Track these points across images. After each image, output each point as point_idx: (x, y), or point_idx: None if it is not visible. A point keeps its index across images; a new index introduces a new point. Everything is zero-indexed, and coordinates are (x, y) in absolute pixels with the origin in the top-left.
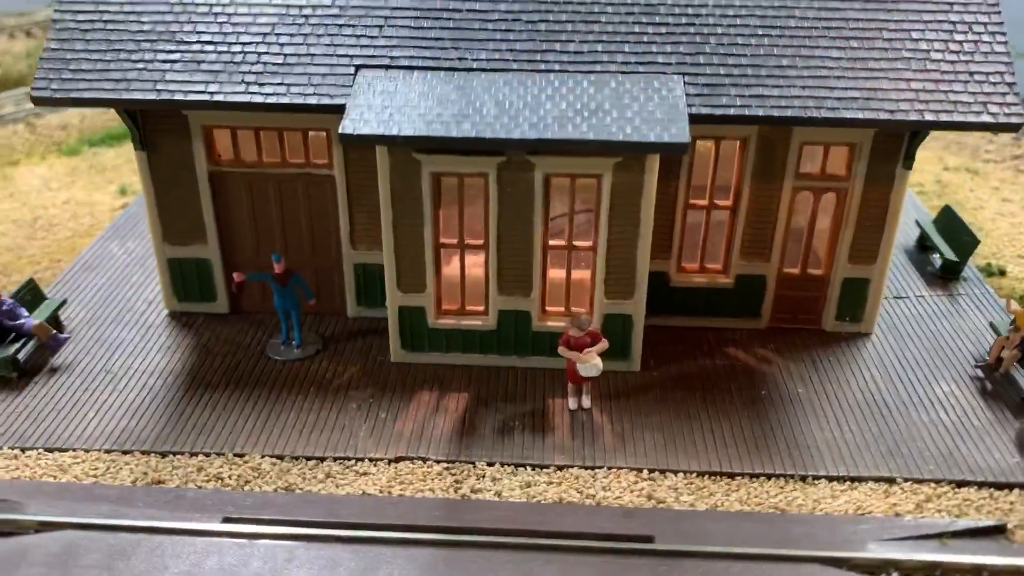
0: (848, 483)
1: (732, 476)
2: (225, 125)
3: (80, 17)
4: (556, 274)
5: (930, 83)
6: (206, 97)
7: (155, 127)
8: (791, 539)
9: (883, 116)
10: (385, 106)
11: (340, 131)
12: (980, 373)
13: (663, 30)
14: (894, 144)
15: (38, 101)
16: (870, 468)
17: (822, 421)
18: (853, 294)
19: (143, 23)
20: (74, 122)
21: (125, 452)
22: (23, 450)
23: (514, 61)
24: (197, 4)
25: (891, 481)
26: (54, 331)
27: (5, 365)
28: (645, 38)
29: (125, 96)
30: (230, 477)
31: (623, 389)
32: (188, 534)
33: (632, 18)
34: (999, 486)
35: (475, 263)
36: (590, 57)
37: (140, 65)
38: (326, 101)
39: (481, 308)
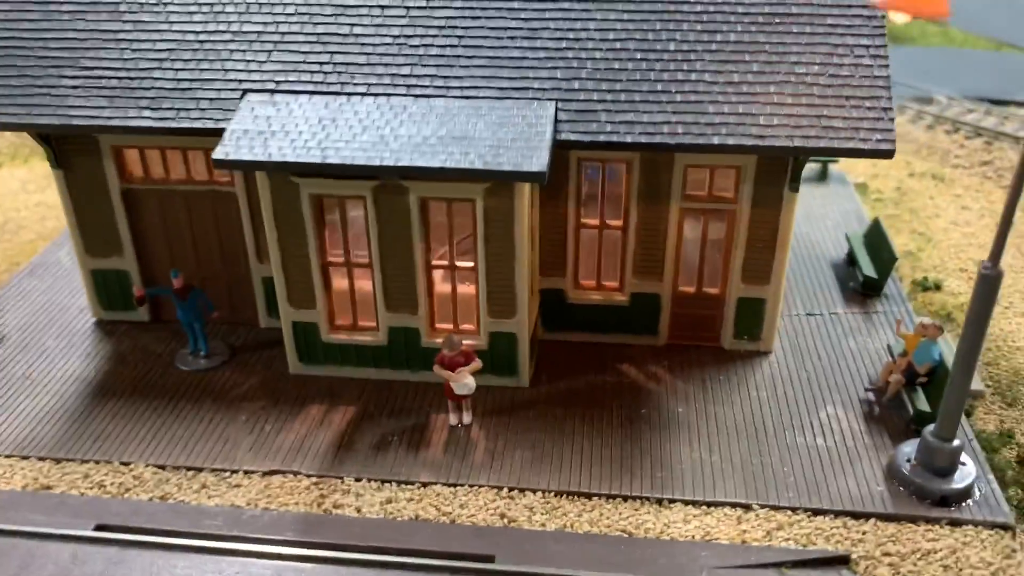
0: (703, 508)
1: (589, 496)
2: (133, 145)
3: None
4: (443, 290)
5: (805, 107)
6: (102, 122)
7: (68, 147)
8: (631, 563)
9: (750, 142)
10: (261, 131)
11: (213, 156)
12: (870, 396)
13: (542, 55)
14: (779, 167)
15: None
16: (728, 493)
17: (694, 443)
18: (749, 313)
19: (49, 48)
20: None
21: (24, 458)
22: None
23: (396, 86)
24: (101, 31)
25: (747, 507)
26: None
27: None
28: (524, 63)
29: (29, 121)
30: (112, 485)
31: (508, 405)
32: (59, 539)
33: (514, 43)
34: (855, 515)
35: (365, 280)
36: (469, 82)
37: (45, 90)
38: (210, 125)
39: (372, 324)
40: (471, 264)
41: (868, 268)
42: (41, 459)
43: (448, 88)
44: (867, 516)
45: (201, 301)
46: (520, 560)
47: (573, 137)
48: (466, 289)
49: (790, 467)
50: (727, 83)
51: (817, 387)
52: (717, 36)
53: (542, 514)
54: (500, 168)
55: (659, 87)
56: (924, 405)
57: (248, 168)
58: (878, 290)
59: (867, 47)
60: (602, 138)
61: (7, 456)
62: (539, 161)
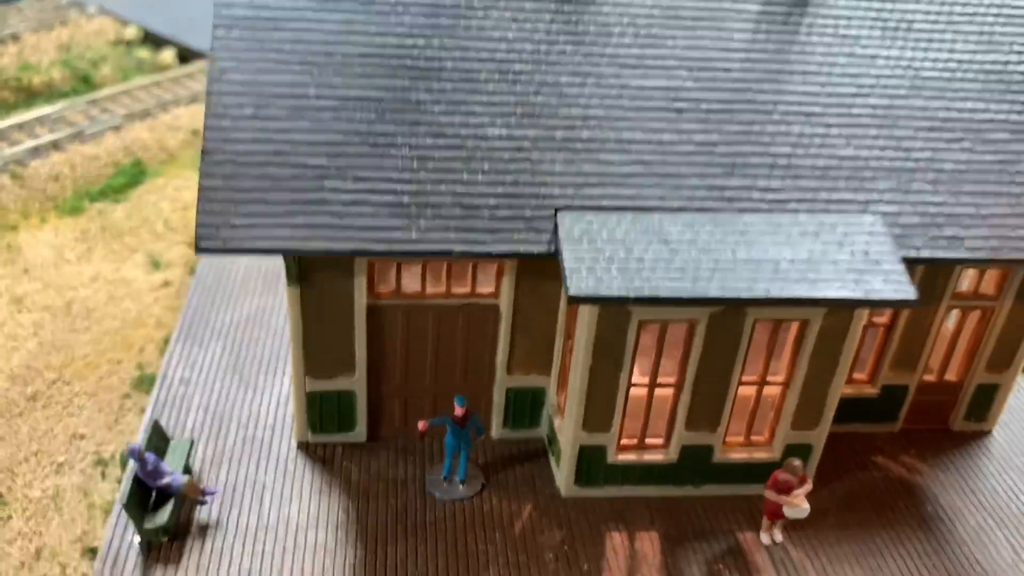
0: None
1: None
2: (392, 260)
3: (239, 148)
4: (741, 407)
5: None
6: (402, 247)
7: (317, 263)
8: None
9: None
10: (598, 259)
11: (571, 292)
12: None
13: (860, 163)
14: None
15: (205, 251)
16: None
17: (982, 537)
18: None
19: (315, 154)
20: (65, 171)
21: None
22: None
23: (709, 199)
24: (367, 134)
25: None
26: (202, 487)
27: (158, 532)
28: (839, 171)
29: (312, 247)
30: None
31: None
32: None
33: (823, 150)
34: None
35: (661, 399)
36: (785, 195)
37: (315, 207)
38: (531, 249)
39: (661, 442)
40: (781, 379)
41: None
42: None
43: (764, 200)
44: None
45: (473, 426)
46: None
47: (925, 254)
48: (765, 405)
49: None
50: None
51: None
52: None
53: None
54: (879, 297)
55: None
56: None
57: (615, 302)
58: None
59: None
60: (941, 254)
61: None
62: (907, 287)
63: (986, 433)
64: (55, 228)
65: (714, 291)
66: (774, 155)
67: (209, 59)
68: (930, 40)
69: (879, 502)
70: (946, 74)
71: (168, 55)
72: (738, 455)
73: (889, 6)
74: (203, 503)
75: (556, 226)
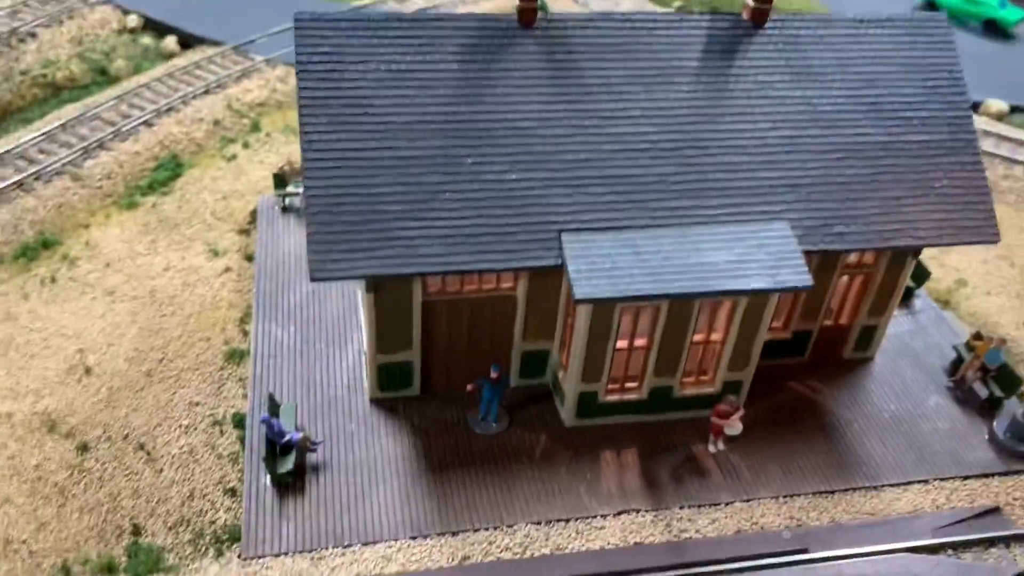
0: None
1: (831, 492)
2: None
3: (331, 200)
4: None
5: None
6: (452, 268)
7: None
8: (883, 536)
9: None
10: (596, 268)
11: (576, 296)
12: (951, 386)
13: (774, 182)
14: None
15: (319, 279)
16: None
17: (874, 440)
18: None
19: (386, 201)
20: (115, 169)
21: (425, 536)
22: (345, 547)
23: (668, 218)
24: (423, 183)
25: (925, 482)
26: (311, 439)
27: (290, 475)
28: (753, 191)
29: (389, 272)
30: (515, 546)
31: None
32: None
33: (745, 176)
34: (984, 476)
35: (636, 355)
36: (720, 211)
37: (389, 242)
38: (543, 263)
39: (636, 385)
40: (719, 338)
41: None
42: (439, 535)
43: (706, 216)
44: (993, 475)
45: (503, 384)
46: (823, 548)
47: (820, 247)
48: (708, 357)
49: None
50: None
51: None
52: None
53: (812, 511)
54: (786, 285)
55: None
56: (999, 392)
57: (604, 302)
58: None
59: None
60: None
61: (412, 538)
62: (806, 276)
63: (869, 359)
64: (120, 223)
65: (675, 289)
66: (712, 180)
67: (301, 135)
68: (825, 81)
69: (792, 416)
70: (837, 107)
71: (171, 41)
72: (691, 391)
73: (796, 55)
74: (313, 451)
75: (560, 244)
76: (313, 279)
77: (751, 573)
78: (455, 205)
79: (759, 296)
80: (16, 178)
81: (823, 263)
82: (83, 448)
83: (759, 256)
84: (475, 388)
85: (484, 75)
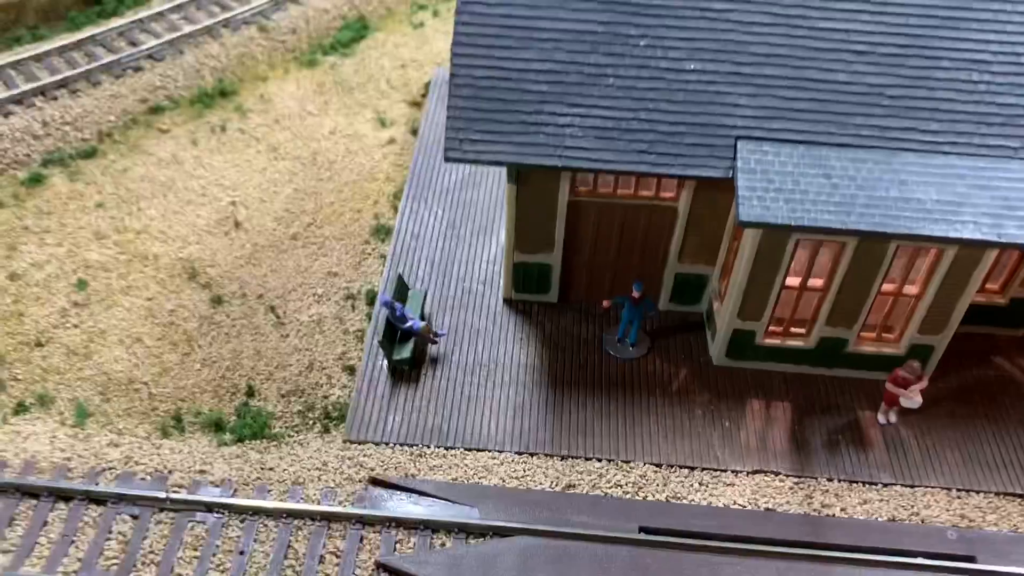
0: None
1: (1019, 497)
2: (592, 169)
3: (477, 74)
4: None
5: None
6: (603, 165)
7: (532, 170)
8: None
9: None
10: (773, 188)
11: (741, 218)
12: None
13: (1020, 111)
14: None
15: (451, 160)
16: None
17: None
18: None
19: (537, 81)
20: (301, 24)
21: (532, 454)
22: (447, 448)
23: (876, 137)
24: (582, 64)
25: None
26: (434, 330)
27: (406, 363)
28: (995, 119)
29: (530, 161)
30: (627, 484)
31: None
32: (615, 542)
33: (987, 96)
34: None
35: (808, 298)
36: (942, 138)
37: (535, 128)
38: (710, 174)
39: (803, 331)
40: (915, 292)
41: None
42: (548, 456)
43: (922, 142)
44: None
45: (646, 307)
46: (998, 560)
47: None
48: (897, 312)
49: None
50: None
51: None
52: None
53: (991, 514)
54: (1009, 240)
55: None
56: None
57: (778, 228)
58: None
59: None
60: None
61: (519, 453)
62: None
63: None
64: (296, 80)
65: (864, 226)
66: (938, 99)
67: None
68: None
69: (988, 398)
70: None
71: None
72: (869, 348)
73: None
74: (435, 343)
75: (735, 154)
76: (447, 159)
77: (899, 572)
78: (617, 93)
79: (973, 249)
80: (208, 22)
81: None
82: (217, 301)
83: (981, 199)
84: (611, 306)
85: None
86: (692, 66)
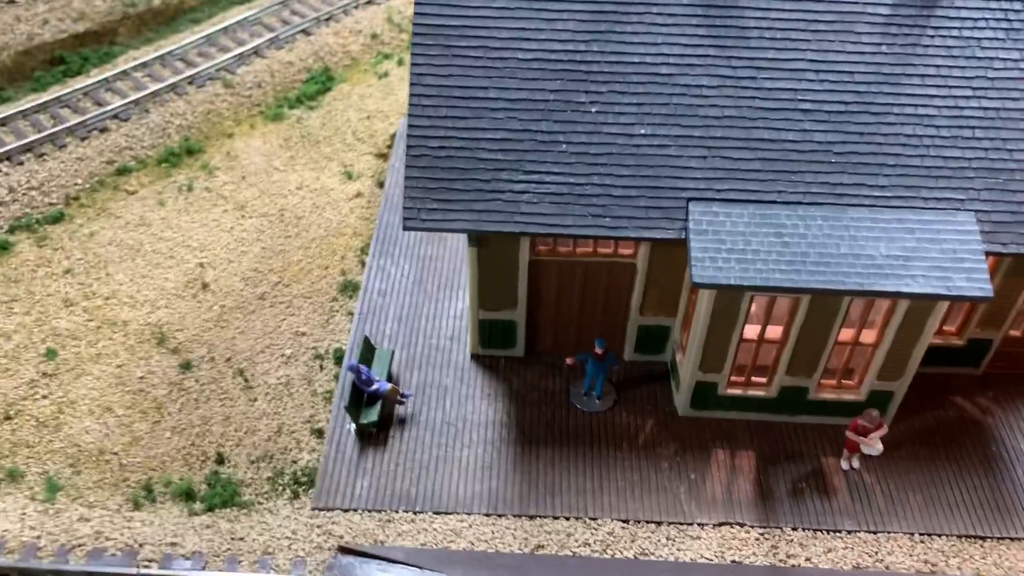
0: None
1: (984, 539)
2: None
3: (432, 144)
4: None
5: None
6: (559, 231)
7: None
8: None
9: None
10: (723, 249)
11: (694, 280)
12: None
13: (960, 163)
14: None
15: (410, 229)
16: None
17: None
18: None
19: (492, 150)
20: (266, 78)
21: (500, 515)
22: (416, 513)
23: (825, 194)
24: (535, 131)
25: None
26: (400, 391)
27: (374, 425)
28: (941, 172)
29: (488, 228)
30: (595, 542)
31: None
32: None
33: (930, 151)
34: None
35: (766, 349)
36: (891, 192)
37: (492, 195)
38: (665, 236)
39: (764, 381)
40: (872, 341)
41: None
42: (516, 516)
43: (871, 197)
44: None
45: (609, 361)
46: None
47: (1012, 249)
48: (856, 358)
49: None
50: None
51: None
52: None
53: (953, 557)
54: (959, 293)
55: None
56: None
57: (732, 290)
58: None
59: None
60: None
61: (486, 515)
62: (986, 285)
63: None
64: (262, 135)
65: (815, 284)
66: (885, 154)
67: (411, 64)
68: None
69: (950, 438)
70: None
71: None
72: (830, 395)
73: (1017, 6)
74: (402, 403)
75: (687, 215)
76: (405, 228)
77: None
78: (571, 159)
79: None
80: (172, 80)
81: (1016, 266)
82: (186, 366)
83: (930, 253)
84: (575, 363)
85: (621, 9)
86: (643, 130)
